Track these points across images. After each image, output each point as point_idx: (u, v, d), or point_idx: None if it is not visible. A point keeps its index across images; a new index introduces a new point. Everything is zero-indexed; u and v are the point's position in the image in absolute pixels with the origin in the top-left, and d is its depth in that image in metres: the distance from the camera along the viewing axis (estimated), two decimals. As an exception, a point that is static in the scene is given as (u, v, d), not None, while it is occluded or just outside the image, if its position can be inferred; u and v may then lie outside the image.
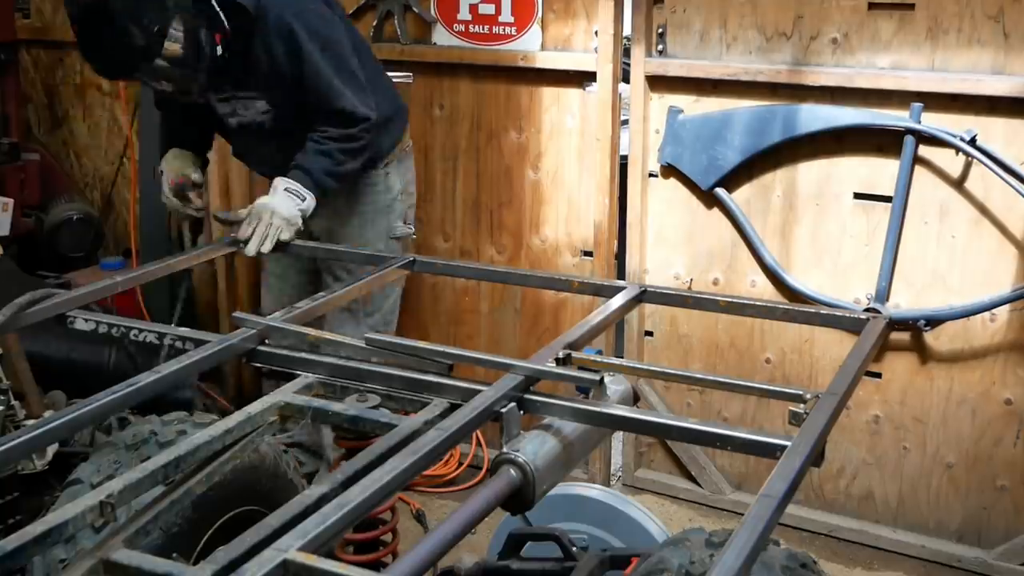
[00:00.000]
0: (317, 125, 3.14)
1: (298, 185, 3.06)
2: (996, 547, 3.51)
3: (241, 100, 3.21)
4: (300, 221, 3.03)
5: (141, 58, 2.78)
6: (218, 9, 2.90)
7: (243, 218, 2.99)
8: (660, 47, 3.65)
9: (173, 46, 2.79)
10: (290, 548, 1.47)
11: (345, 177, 3.23)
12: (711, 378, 2.46)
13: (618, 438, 4.15)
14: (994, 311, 3.36)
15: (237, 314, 2.38)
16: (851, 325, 2.57)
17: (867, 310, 3.39)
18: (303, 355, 2.23)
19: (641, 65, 3.66)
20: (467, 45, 3.93)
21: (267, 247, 2.94)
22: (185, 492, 1.90)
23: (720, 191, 3.65)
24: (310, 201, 3.07)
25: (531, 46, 3.83)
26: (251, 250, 2.94)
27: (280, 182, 3.07)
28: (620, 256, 3.93)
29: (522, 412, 1.97)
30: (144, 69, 2.84)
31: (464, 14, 3.90)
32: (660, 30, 3.63)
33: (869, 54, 3.37)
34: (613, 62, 3.68)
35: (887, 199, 3.42)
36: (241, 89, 3.16)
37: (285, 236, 2.97)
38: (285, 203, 3.01)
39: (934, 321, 3.43)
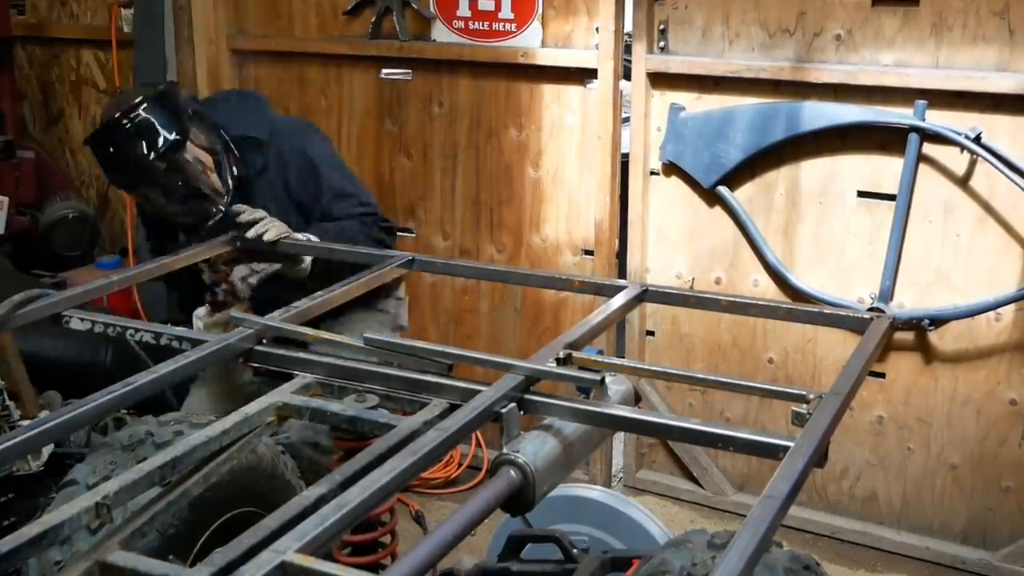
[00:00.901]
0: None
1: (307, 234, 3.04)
2: (1001, 549, 3.49)
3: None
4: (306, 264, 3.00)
5: (164, 169, 2.85)
6: (228, 139, 3.05)
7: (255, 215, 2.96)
8: (662, 44, 3.63)
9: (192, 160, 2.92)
10: (288, 550, 1.45)
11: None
12: (713, 378, 2.43)
13: (619, 439, 4.14)
14: (999, 310, 3.34)
15: (235, 313, 2.36)
16: (855, 325, 2.54)
17: (871, 309, 3.39)
18: (301, 355, 2.21)
19: (642, 62, 3.64)
20: (467, 42, 3.91)
21: (272, 235, 2.88)
22: (182, 493, 1.88)
23: (722, 189, 3.63)
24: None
25: (531, 43, 3.81)
26: (252, 233, 2.89)
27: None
28: (621, 255, 3.92)
29: (522, 412, 1.95)
30: (165, 181, 2.88)
31: (464, 10, 3.88)
32: (662, 26, 3.61)
33: (873, 51, 3.35)
34: (614, 59, 3.67)
35: (891, 197, 3.40)
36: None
37: (271, 235, 2.91)
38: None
39: (938, 321, 3.41)
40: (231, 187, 3.05)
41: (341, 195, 3.18)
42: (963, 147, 3.24)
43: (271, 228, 2.90)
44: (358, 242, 3.06)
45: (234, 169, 3.07)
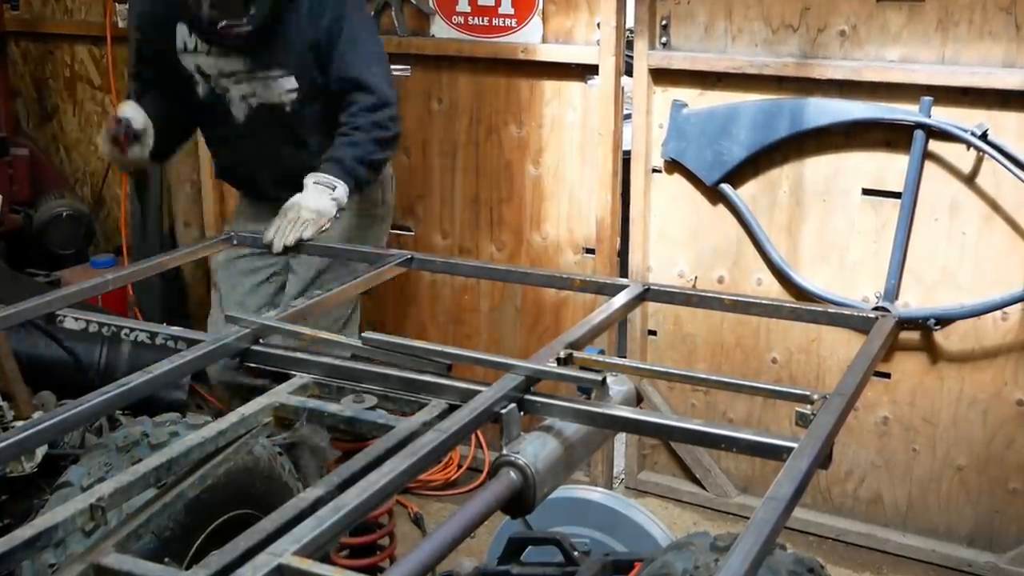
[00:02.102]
0: (344, 116, 3.06)
1: (328, 176, 2.95)
2: (1008, 551, 3.47)
3: (264, 80, 3.10)
4: (334, 211, 2.92)
5: None
6: None
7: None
8: (664, 39, 3.60)
9: None
10: (285, 552, 1.44)
11: (378, 167, 3.15)
12: (716, 378, 2.43)
13: (621, 440, 4.12)
14: (1006, 310, 3.32)
15: (230, 312, 2.34)
16: (859, 324, 2.54)
17: (876, 309, 3.36)
18: (298, 355, 2.19)
19: (644, 58, 3.62)
20: (466, 37, 3.88)
21: (291, 240, 2.81)
22: (178, 495, 1.87)
23: (725, 187, 3.60)
24: (342, 191, 2.95)
25: (532, 38, 3.78)
26: (277, 246, 2.82)
27: (309, 177, 2.95)
28: (623, 254, 3.89)
29: (522, 413, 1.93)
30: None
31: (463, 6, 3.85)
32: (664, 22, 3.58)
33: (878, 47, 3.32)
34: (616, 55, 3.64)
35: (896, 195, 3.37)
36: (269, 66, 3.07)
37: (308, 233, 2.82)
38: (315, 196, 2.90)
39: (944, 320, 3.38)
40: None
41: (354, 64, 3.05)
42: (969, 144, 3.21)
43: (290, 232, 2.81)
44: (373, 162, 3.04)
45: None
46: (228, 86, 3.12)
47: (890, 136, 3.35)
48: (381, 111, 3.07)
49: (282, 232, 2.82)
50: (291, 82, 3.10)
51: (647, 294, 2.56)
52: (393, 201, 3.55)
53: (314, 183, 2.94)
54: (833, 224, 3.51)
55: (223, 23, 2.95)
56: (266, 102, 3.14)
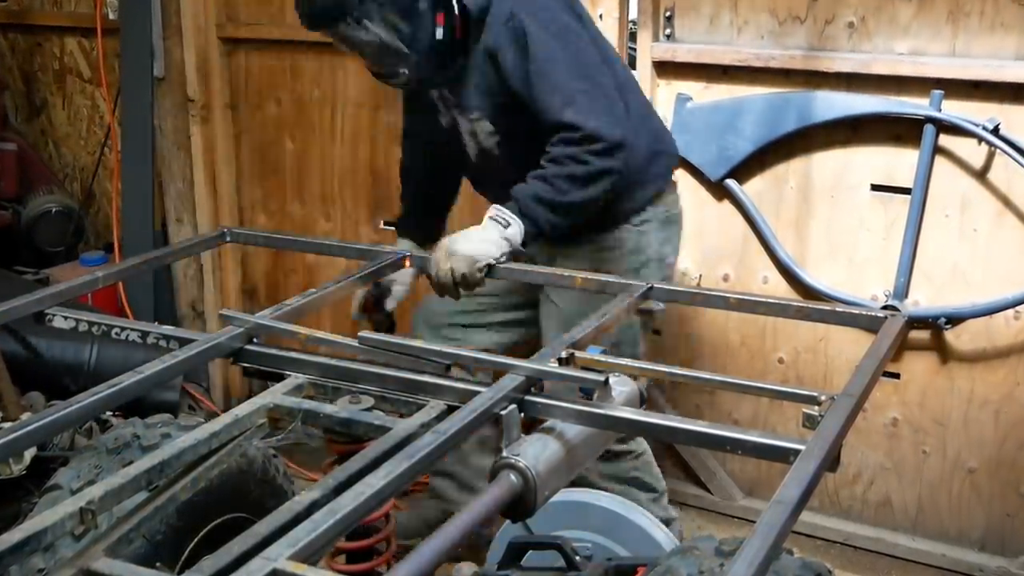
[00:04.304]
0: (548, 145, 2.73)
1: (505, 212, 2.66)
2: (1020, 556, 3.43)
3: (473, 120, 2.86)
4: (497, 252, 2.60)
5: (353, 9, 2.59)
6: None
7: None
8: (668, 31, 3.56)
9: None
10: (280, 557, 1.44)
11: (568, 209, 2.70)
12: (721, 379, 2.40)
13: (623, 441, 4.07)
14: (1018, 308, 3.27)
15: (224, 311, 2.34)
16: (868, 323, 2.49)
17: (884, 307, 3.31)
18: (293, 355, 2.18)
19: (648, 50, 3.57)
20: (466, 32, 3.83)
21: (444, 276, 2.62)
22: (169, 498, 1.86)
23: (731, 183, 3.56)
24: (515, 229, 2.62)
25: (533, 32, 3.72)
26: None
27: (491, 209, 2.69)
28: (626, 251, 3.84)
29: (523, 415, 1.92)
30: (348, 30, 2.62)
31: (463, -1, 3.79)
32: (668, 13, 3.54)
33: (887, 39, 3.28)
34: (618, 47, 3.58)
35: (906, 191, 3.33)
36: (466, 108, 2.84)
37: (462, 270, 2.59)
38: (475, 236, 2.63)
39: (955, 319, 3.34)
40: (422, 50, 2.69)
41: (547, 95, 2.67)
42: (980, 139, 3.17)
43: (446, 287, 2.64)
44: (557, 202, 2.69)
45: (438, 30, 2.65)
46: (457, 117, 2.90)
47: (899, 130, 3.31)
48: (581, 144, 2.65)
49: (434, 265, 2.64)
50: (487, 125, 2.86)
51: (651, 292, 2.54)
52: (659, 251, 3.03)
53: (490, 217, 2.68)
54: (841, 221, 3.47)
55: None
56: (486, 147, 2.91)
